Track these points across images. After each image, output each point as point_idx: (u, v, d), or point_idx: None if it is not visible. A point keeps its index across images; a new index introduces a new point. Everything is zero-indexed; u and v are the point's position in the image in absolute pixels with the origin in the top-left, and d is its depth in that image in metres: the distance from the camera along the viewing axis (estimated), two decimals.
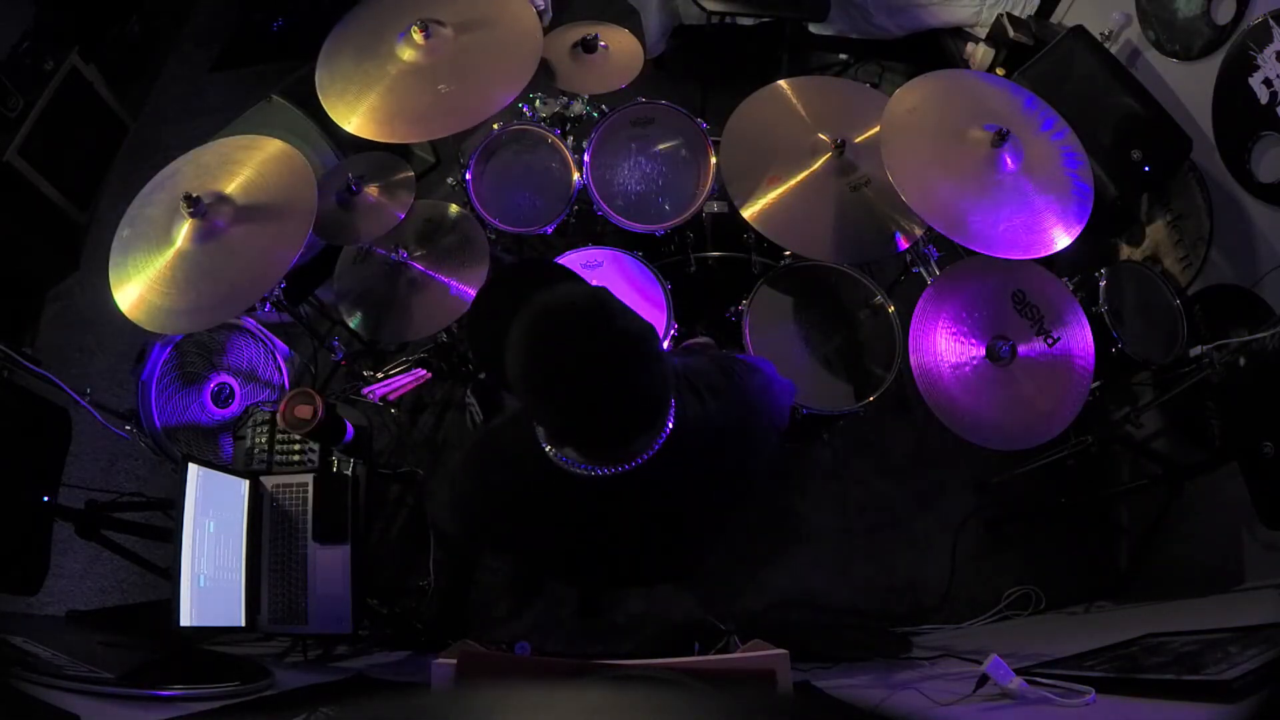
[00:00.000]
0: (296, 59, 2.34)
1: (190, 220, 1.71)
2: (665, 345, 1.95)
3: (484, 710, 0.44)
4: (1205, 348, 1.90)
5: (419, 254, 2.03)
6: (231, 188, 1.78)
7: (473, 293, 1.99)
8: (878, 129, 1.82)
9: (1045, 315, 1.87)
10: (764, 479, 1.11)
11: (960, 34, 3.05)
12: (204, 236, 1.72)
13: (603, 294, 0.89)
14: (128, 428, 1.99)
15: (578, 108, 2.24)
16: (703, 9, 2.59)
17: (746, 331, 1.96)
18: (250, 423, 1.92)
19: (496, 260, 2.10)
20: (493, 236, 2.11)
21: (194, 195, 1.69)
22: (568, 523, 1.05)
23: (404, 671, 2.01)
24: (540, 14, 2.01)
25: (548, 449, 0.97)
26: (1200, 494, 2.07)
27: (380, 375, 2.19)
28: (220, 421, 2.08)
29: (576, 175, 2.11)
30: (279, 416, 1.75)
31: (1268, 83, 1.92)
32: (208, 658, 1.74)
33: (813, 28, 3.11)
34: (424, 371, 2.19)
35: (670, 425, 0.96)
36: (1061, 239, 1.75)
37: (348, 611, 1.76)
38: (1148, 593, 2.19)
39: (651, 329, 0.89)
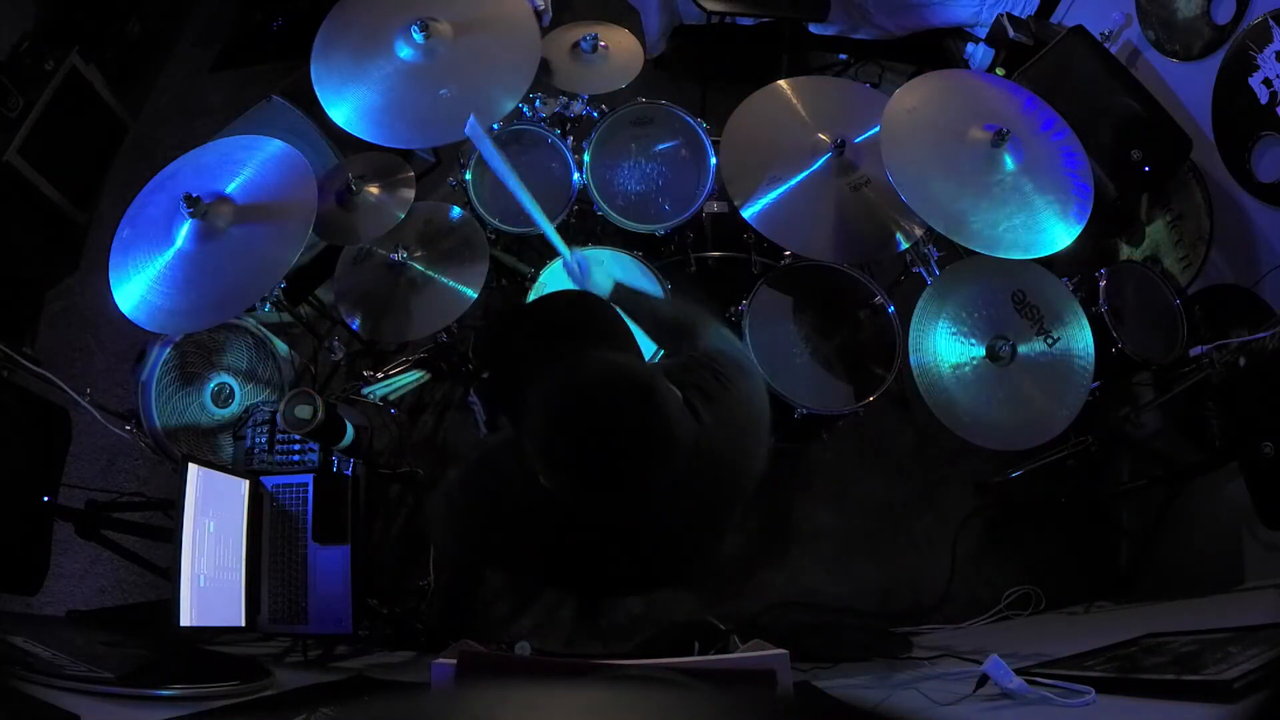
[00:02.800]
0: (296, 59, 2.34)
1: (190, 220, 1.71)
2: None
3: (484, 710, 0.44)
4: (1205, 348, 1.90)
5: (419, 254, 2.03)
6: (231, 188, 1.78)
7: (473, 293, 1.98)
8: (878, 129, 1.82)
9: (1045, 315, 1.87)
10: (758, 482, 1.10)
11: (960, 34, 3.05)
12: (204, 236, 1.72)
13: (654, 383, 0.85)
14: (128, 428, 1.99)
15: (578, 108, 2.24)
16: (703, 9, 2.59)
17: (746, 331, 1.96)
18: (250, 423, 1.92)
19: (496, 260, 2.10)
20: (493, 236, 2.11)
21: (194, 195, 1.69)
22: (562, 543, 1.04)
23: (404, 671, 2.01)
24: (540, 14, 2.01)
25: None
26: (1200, 494, 2.07)
27: (380, 375, 2.18)
28: (220, 421, 2.08)
29: (576, 175, 2.11)
30: (279, 416, 1.75)
31: (1268, 83, 1.92)
32: (208, 658, 1.74)
33: (813, 28, 3.11)
34: (424, 371, 2.19)
35: None
36: (1061, 239, 1.75)
37: (348, 611, 1.76)
38: (1148, 593, 2.19)
39: (684, 415, 0.87)
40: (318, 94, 1.86)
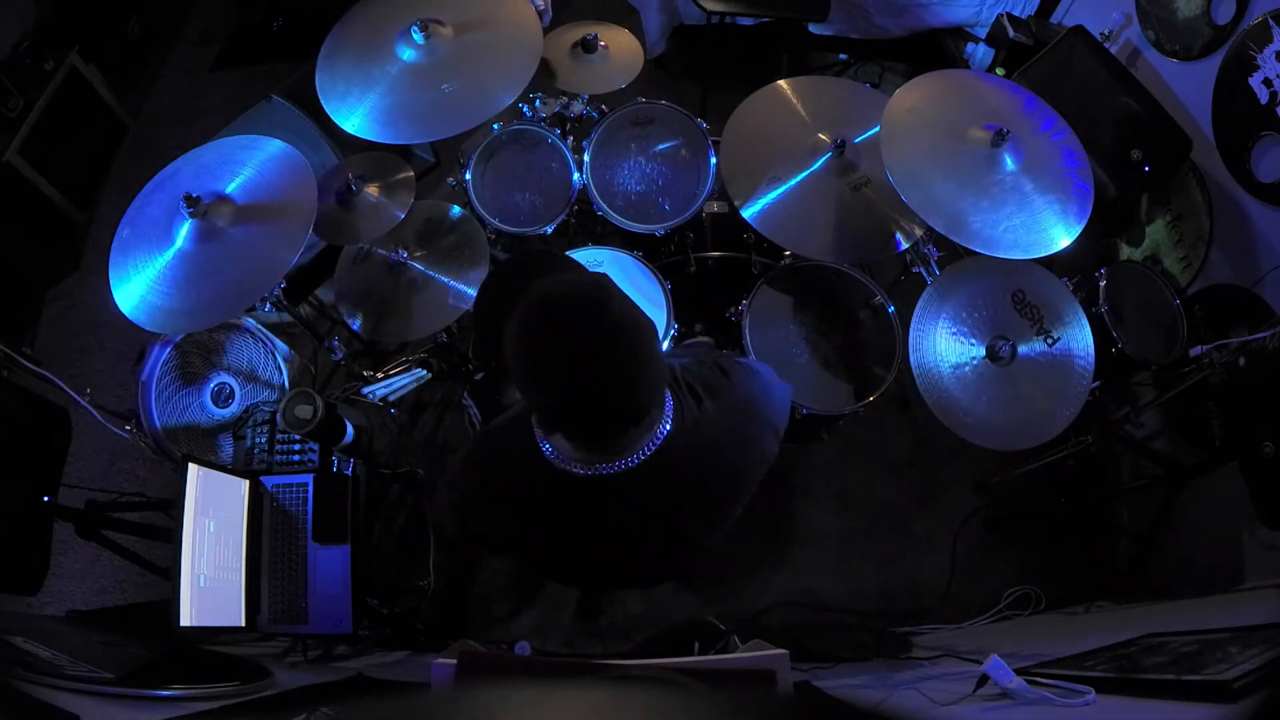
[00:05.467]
0: (296, 59, 2.35)
1: (190, 220, 1.71)
2: (665, 345, 1.95)
3: (484, 710, 0.44)
4: (1205, 348, 1.90)
5: (419, 254, 2.03)
6: (231, 188, 1.78)
7: (473, 293, 1.99)
8: (878, 129, 1.82)
9: (1045, 315, 1.87)
10: (760, 480, 1.11)
11: (960, 34, 3.05)
12: (204, 236, 1.72)
13: (604, 282, 0.91)
14: (128, 428, 1.99)
15: (578, 108, 2.24)
16: (703, 9, 2.59)
17: (746, 331, 1.96)
18: (250, 423, 1.92)
19: (495, 260, 2.10)
20: (493, 236, 2.11)
21: (194, 195, 1.69)
22: (565, 523, 1.05)
23: (404, 671, 2.01)
24: (540, 14, 2.01)
25: (544, 446, 0.97)
26: (1200, 494, 2.07)
27: (380, 375, 2.18)
28: (220, 421, 2.08)
29: (576, 175, 2.11)
30: (279, 416, 1.75)
31: (1268, 83, 1.92)
32: (208, 658, 1.74)
33: (813, 28, 3.11)
34: (424, 371, 2.19)
35: (668, 427, 0.97)
36: (1061, 239, 1.75)
37: (348, 611, 1.76)
38: (1148, 593, 2.19)
39: (649, 322, 0.91)
40: (326, 109, 1.87)
